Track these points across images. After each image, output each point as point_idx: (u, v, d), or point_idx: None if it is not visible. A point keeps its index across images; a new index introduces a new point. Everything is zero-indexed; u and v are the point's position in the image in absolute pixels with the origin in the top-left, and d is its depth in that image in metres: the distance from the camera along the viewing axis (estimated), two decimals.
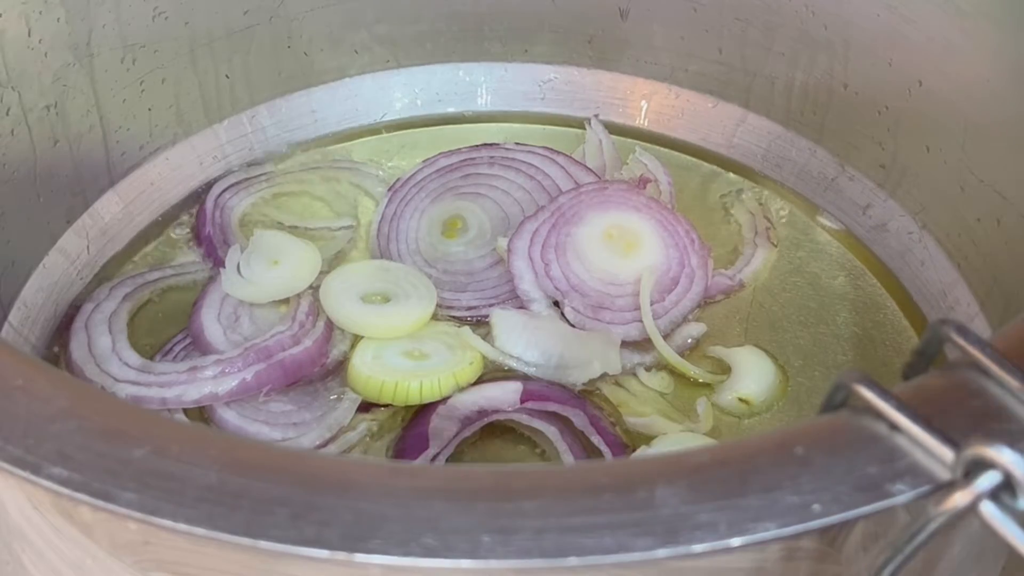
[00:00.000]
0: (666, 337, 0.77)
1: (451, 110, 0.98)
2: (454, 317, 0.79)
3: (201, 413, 0.73)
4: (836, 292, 0.82)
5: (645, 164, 0.90)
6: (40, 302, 0.77)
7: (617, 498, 0.36)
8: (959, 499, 0.35)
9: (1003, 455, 0.34)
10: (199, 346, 0.76)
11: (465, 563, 0.34)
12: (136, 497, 0.36)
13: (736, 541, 0.34)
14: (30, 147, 0.76)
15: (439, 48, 0.97)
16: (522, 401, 0.72)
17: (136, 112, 0.84)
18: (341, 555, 0.34)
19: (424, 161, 0.91)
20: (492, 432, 0.72)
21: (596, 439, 0.70)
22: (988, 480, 0.34)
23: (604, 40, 0.96)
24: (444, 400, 0.72)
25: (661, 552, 0.34)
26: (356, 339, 0.76)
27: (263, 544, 0.35)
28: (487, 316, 0.78)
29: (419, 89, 0.97)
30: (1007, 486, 0.35)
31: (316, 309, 0.77)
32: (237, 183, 0.89)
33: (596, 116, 0.96)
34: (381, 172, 0.92)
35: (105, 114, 0.82)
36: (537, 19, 0.95)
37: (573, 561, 0.34)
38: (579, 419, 0.71)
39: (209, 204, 0.87)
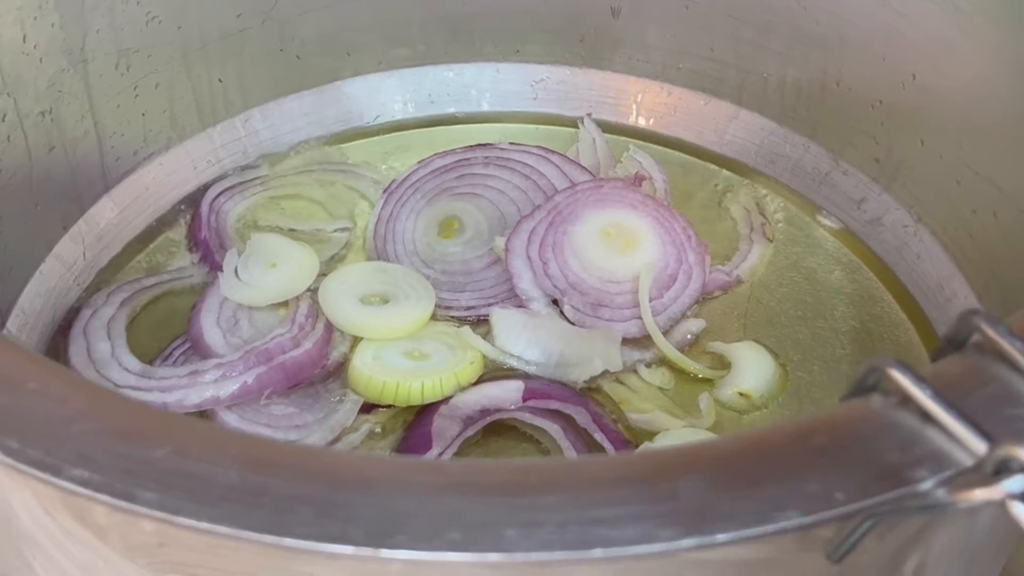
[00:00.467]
0: (665, 333, 0.77)
1: (444, 111, 0.98)
2: (453, 317, 0.79)
3: (202, 417, 0.72)
4: (833, 287, 0.83)
5: (639, 162, 0.91)
6: (38, 308, 0.77)
7: (639, 489, 0.36)
8: (986, 493, 0.35)
9: None
10: (199, 350, 0.76)
11: (492, 556, 0.34)
12: (158, 497, 0.35)
13: (760, 530, 0.35)
14: (26, 153, 0.75)
15: (431, 49, 0.97)
16: (524, 400, 0.72)
17: (130, 117, 0.84)
18: (367, 551, 0.34)
19: (419, 162, 0.91)
20: (495, 431, 0.72)
21: (599, 436, 0.70)
22: (1018, 483, 0.34)
23: (596, 39, 0.96)
24: (446, 400, 0.72)
25: (686, 542, 0.34)
26: (356, 341, 0.76)
27: (287, 542, 0.35)
28: (486, 316, 0.78)
29: (412, 91, 0.98)
30: None
31: (315, 311, 0.77)
32: (232, 187, 0.89)
33: (589, 115, 0.96)
34: (376, 174, 0.92)
35: (100, 119, 0.81)
36: (529, 19, 0.96)
37: (598, 553, 0.34)
38: (582, 417, 0.71)
39: (204, 208, 0.87)
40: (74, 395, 0.39)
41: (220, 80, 0.89)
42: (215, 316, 0.77)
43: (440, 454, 0.69)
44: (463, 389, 0.73)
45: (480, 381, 0.73)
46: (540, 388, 0.73)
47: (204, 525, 0.35)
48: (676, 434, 0.71)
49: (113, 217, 0.84)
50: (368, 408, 0.73)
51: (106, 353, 0.75)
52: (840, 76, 0.86)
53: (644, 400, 0.74)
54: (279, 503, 0.36)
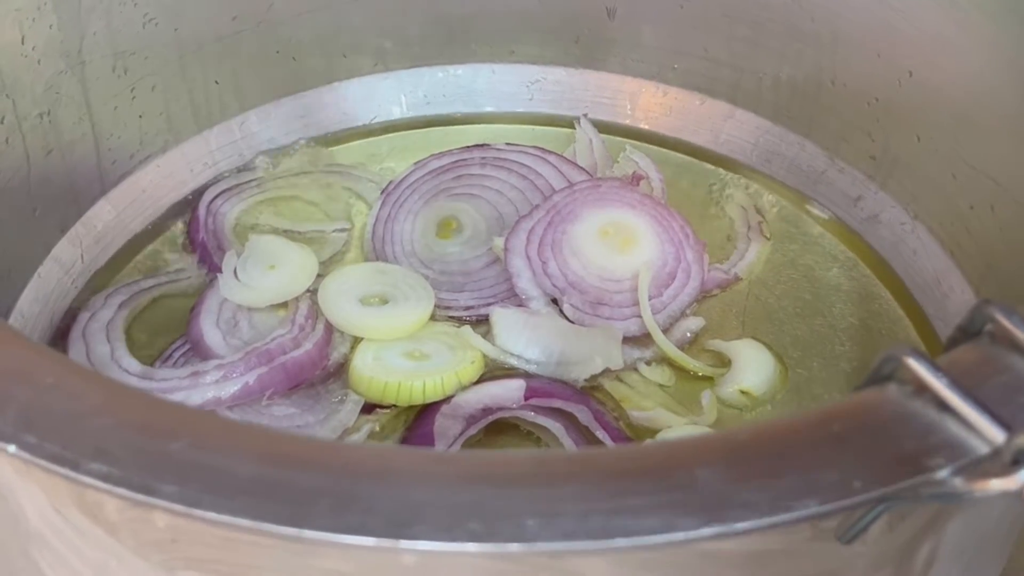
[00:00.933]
0: (665, 332, 0.78)
1: (440, 112, 0.98)
2: (452, 317, 0.79)
3: None
4: (830, 284, 0.83)
5: (636, 162, 0.91)
6: (37, 311, 0.77)
7: (658, 479, 0.36)
8: (1003, 483, 0.35)
9: None
10: (199, 352, 0.75)
11: (512, 547, 0.34)
12: (177, 490, 0.35)
13: (779, 518, 0.35)
14: (24, 156, 0.75)
15: (426, 51, 0.97)
16: (526, 398, 0.72)
17: (127, 120, 0.84)
18: (387, 542, 0.34)
19: (415, 163, 0.91)
20: (497, 430, 0.72)
21: (601, 434, 0.70)
22: None
23: (591, 39, 0.96)
24: (448, 399, 0.72)
25: (706, 531, 0.34)
26: (356, 341, 0.76)
27: (307, 534, 0.35)
28: (485, 316, 0.78)
29: (407, 92, 0.98)
30: None
31: (315, 312, 0.77)
32: (229, 189, 0.89)
33: (585, 115, 0.96)
34: (373, 175, 0.92)
35: (97, 122, 0.81)
36: (524, 20, 0.96)
37: (621, 542, 0.34)
38: (583, 415, 0.71)
39: (202, 210, 0.87)
40: (91, 390, 0.39)
41: (216, 82, 0.89)
42: (215, 318, 0.77)
43: None
44: (464, 388, 0.73)
45: (481, 380, 0.74)
46: (541, 387, 0.73)
47: (223, 518, 0.35)
48: (678, 432, 0.71)
49: (111, 219, 0.84)
50: (369, 408, 0.73)
51: (105, 355, 0.75)
52: (835, 74, 0.86)
53: (645, 398, 0.74)
54: (298, 495, 0.36)
